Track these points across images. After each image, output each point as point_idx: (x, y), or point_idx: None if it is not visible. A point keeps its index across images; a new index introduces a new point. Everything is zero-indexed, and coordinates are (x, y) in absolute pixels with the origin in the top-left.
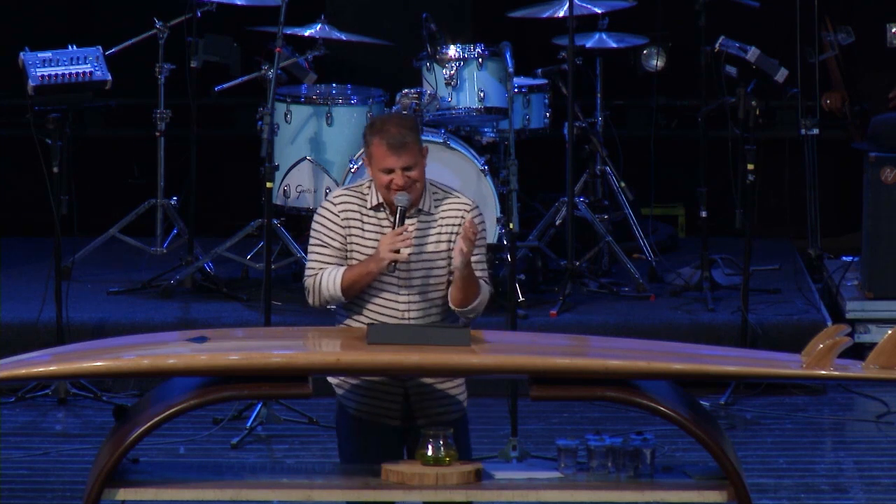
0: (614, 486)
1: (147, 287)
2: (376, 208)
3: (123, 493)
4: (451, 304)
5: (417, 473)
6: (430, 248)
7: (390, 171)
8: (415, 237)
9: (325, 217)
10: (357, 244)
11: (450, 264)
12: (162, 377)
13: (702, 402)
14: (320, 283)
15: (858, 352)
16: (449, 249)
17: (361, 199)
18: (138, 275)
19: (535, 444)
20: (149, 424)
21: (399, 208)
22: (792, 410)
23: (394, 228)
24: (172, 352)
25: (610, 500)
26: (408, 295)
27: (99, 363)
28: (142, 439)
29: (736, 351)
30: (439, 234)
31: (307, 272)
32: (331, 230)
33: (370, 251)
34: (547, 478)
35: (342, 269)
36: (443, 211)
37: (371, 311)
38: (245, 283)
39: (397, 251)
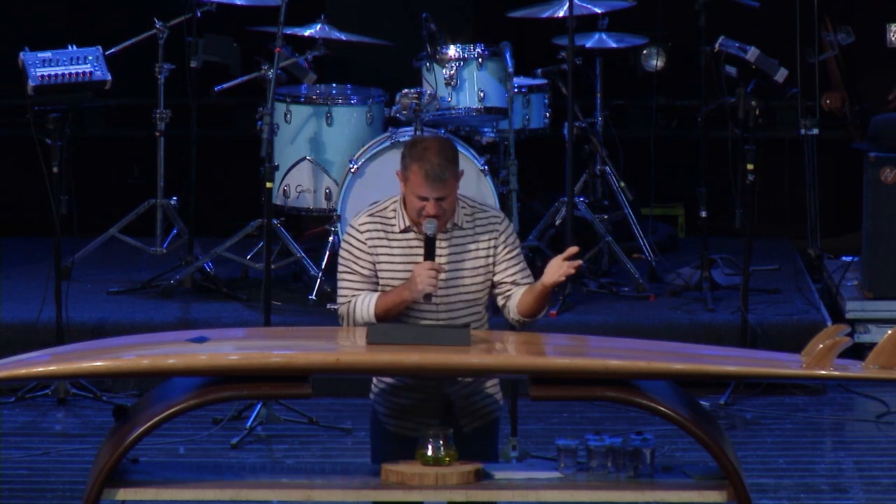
0: (614, 486)
1: (147, 287)
2: (405, 231)
3: (123, 493)
4: (518, 314)
5: (417, 473)
6: (467, 264)
7: (424, 198)
8: (451, 252)
9: (351, 245)
10: (387, 269)
11: (485, 280)
12: (162, 377)
13: (702, 402)
14: (354, 310)
15: (858, 352)
16: (486, 265)
17: (386, 223)
18: (138, 275)
19: (535, 444)
20: (149, 424)
21: (427, 237)
22: (792, 410)
23: (425, 257)
24: (172, 352)
25: (610, 500)
26: (447, 313)
27: (99, 363)
28: (142, 439)
29: (736, 351)
30: (477, 249)
31: (339, 299)
32: (358, 258)
33: (402, 274)
34: (547, 478)
35: (375, 295)
36: (477, 226)
37: None
38: (245, 283)
39: (434, 285)
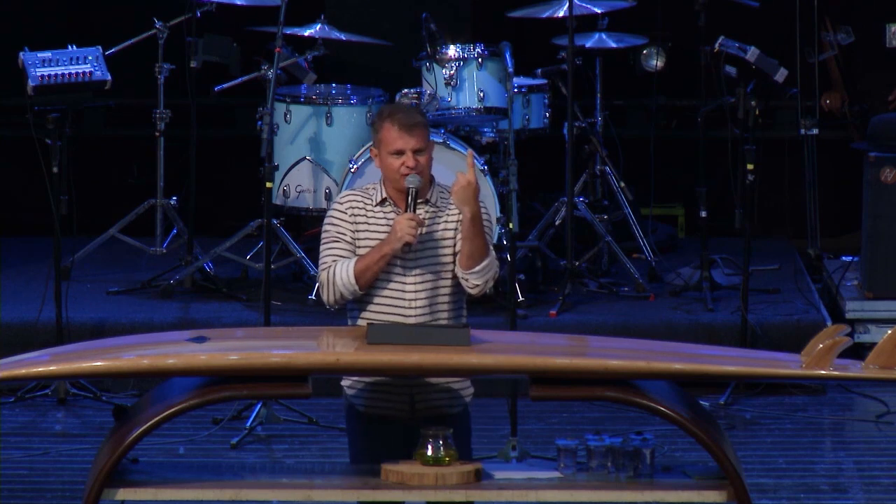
0: (614, 486)
1: (147, 287)
2: (382, 203)
3: (123, 493)
4: (459, 268)
5: (417, 473)
6: (436, 235)
7: (401, 153)
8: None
9: (332, 216)
10: (364, 239)
11: (453, 251)
12: (161, 377)
13: (702, 402)
14: (334, 275)
15: (858, 352)
16: (454, 237)
17: (366, 197)
18: (138, 275)
19: (534, 444)
20: (148, 424)
21: (410, 189)
22: (792, 410)
23: (406, 210)
24: (172, 352)
25: (609, 500)
26: (414, 285)
27: (98, 363)
28: (141, 439)
29: (736, 351)
30: (446, 223)
31: (320, 268)
32: (339, 226)
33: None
34: (546, 478)
35: (354, 258)
36: (450, 205)
37: (379, 303)
38: (244, 283)
39: (413, 234)
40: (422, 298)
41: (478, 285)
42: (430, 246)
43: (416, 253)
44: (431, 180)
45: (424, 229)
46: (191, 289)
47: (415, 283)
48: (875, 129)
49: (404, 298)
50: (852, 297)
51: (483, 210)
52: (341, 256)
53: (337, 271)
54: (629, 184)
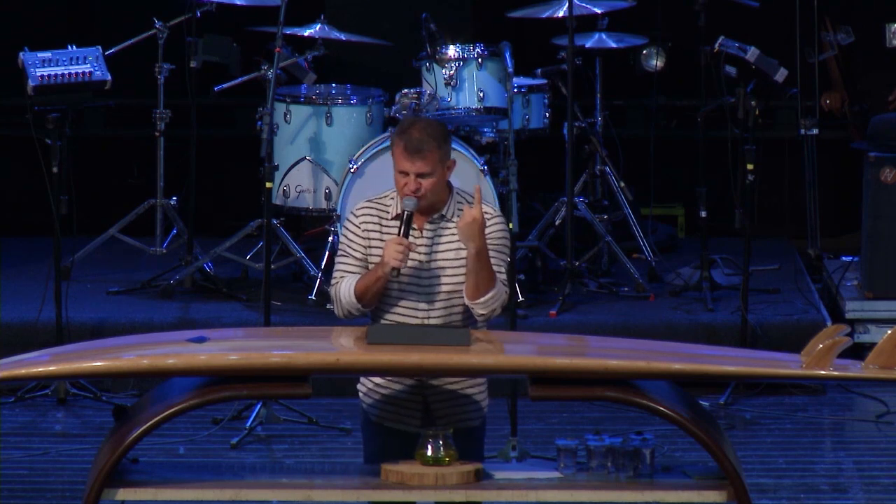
0: (614, 486)
1: (147, 287)
2: (397, 217)
3: (123, 493)
4: (466, 298)
5: (417, 473)
6: (450, 254)
7: (405, 174)
8: (434, 243)
9: (347, 229)
10: (377, 254)
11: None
12: (161, 377)
13: (702, 402)
14: (339, 292)
15: (858, 352)
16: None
17: (383, 209)
18: (138, 275)
19: (534, 444)
20: (148, 424)
21: (405, 213)
22: (792, 410)
23: (399, 233)
24: (172, 352)
25: (609, 500)
26: (427, 302)
27: (98, 363)
28: (141, 439)
29: (736, 351)
30: (460, 242)
31: (331, 282)
32: (352, 241)
33: None
34: (546, 478)
35: (357, 277)
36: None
37: (393, 320)
38: (244, 283)
39: (400, 259)
40: (435, 317)
41: (483, 314)
42: (443, 264)
43: (429, 270)
44: (450, 191)
45: (436, 246)
46: (191, 289)
47: (428, 301)
48: (875, 129)
49: (416, 317)
50: (852, 297)
51: (502, 232)
52: (349, 272)
53: (342, 289)
54: (629, 184)
